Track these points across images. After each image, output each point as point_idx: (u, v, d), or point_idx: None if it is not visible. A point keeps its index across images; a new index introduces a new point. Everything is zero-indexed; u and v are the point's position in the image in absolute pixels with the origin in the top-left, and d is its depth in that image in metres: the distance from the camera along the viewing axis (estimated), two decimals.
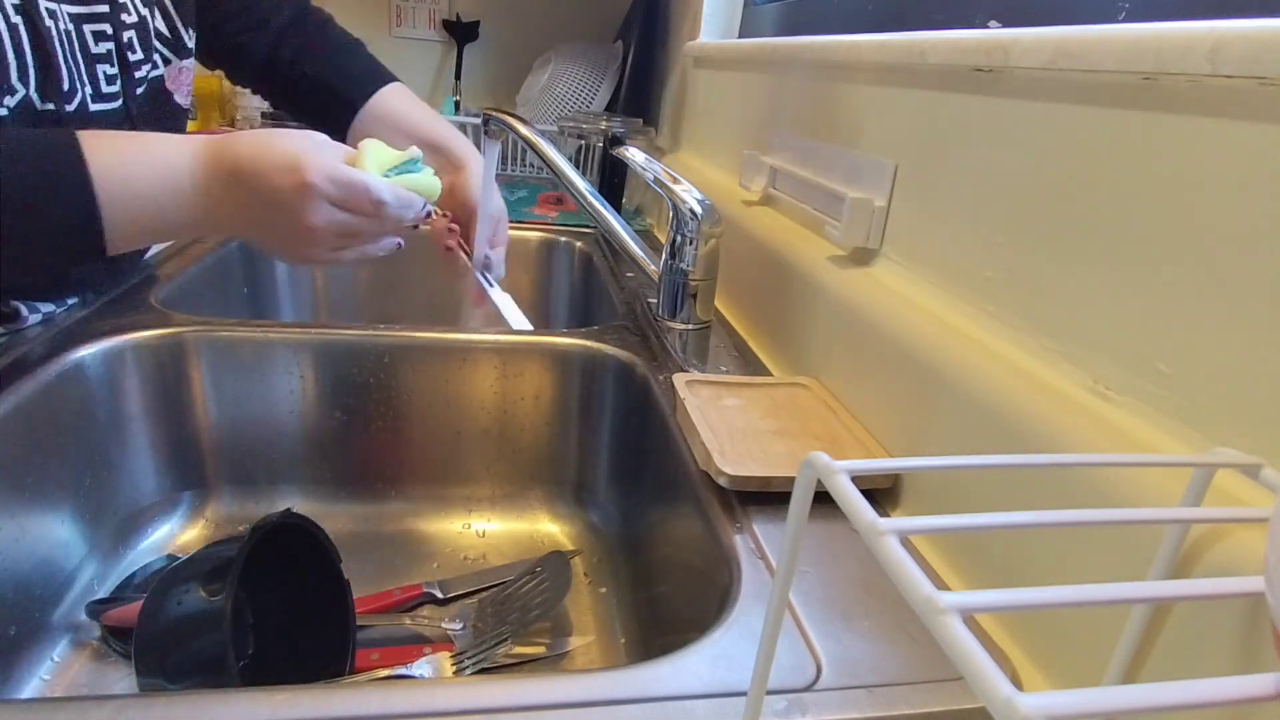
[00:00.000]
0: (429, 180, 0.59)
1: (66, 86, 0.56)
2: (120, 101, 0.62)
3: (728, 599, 0.40)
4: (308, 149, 0.53)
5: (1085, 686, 0.26)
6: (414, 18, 1.62)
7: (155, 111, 0.67)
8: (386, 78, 0.83)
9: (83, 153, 0.49)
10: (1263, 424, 0.29)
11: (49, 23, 0.54)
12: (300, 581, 0.54)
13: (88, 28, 0.58)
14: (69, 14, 0.57)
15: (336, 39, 0.85)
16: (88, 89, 0.58)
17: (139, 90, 0.64)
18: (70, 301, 0.67)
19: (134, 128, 0.63)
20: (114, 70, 0.61)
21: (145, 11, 0.64)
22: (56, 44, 0.55)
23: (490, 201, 0.77)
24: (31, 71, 0.53)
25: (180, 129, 0.70)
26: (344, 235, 0.56)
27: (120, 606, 0.54)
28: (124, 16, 0.61)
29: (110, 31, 0.60)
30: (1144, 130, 0.35)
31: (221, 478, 0.68)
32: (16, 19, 0.52)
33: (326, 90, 0.80)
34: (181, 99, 0.70)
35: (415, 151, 0.59)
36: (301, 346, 0.66)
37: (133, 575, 0.59)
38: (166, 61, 0.68)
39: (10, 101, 0.52)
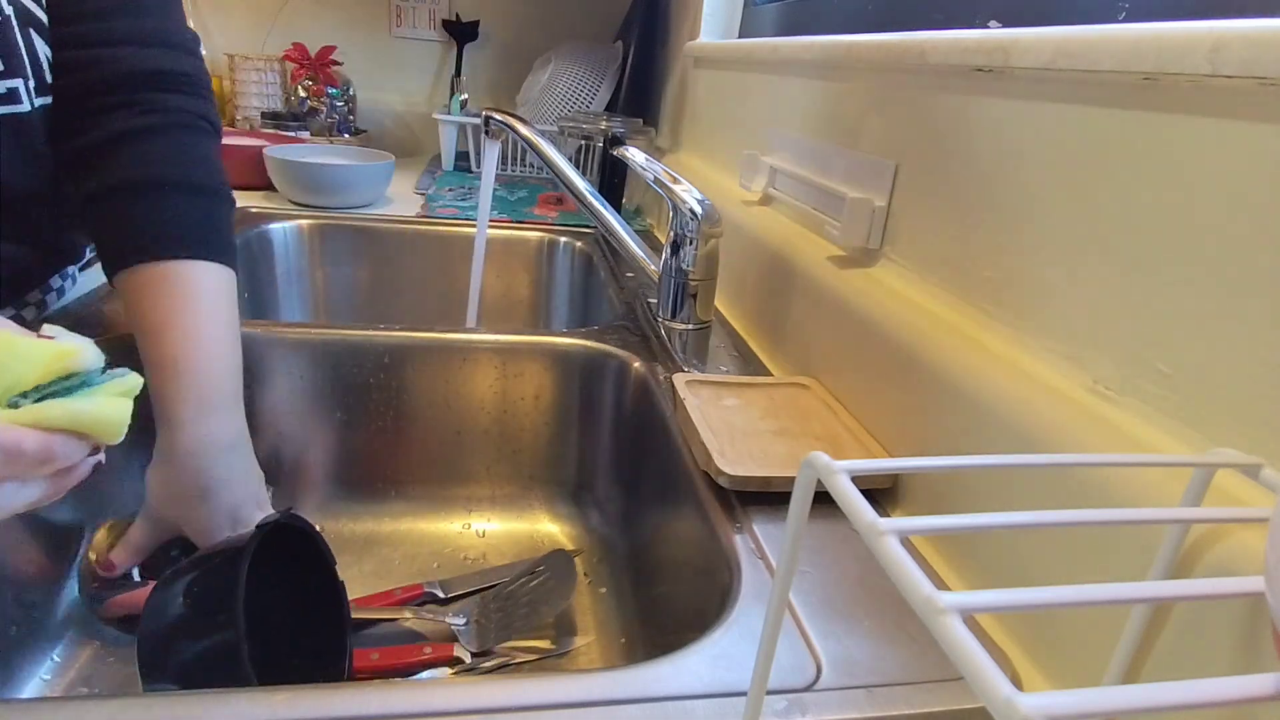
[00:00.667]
0: (107, 407, 0.33)
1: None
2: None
3: (728, 599, 0.40)
4: None
5: (1085, 686, 0.26)
6: (414, 18, 1.62)
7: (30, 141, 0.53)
8: (188, 247, 0.52)
9: None
10: (1263, 424, 0.29)
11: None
12: (296, 583, 0.54)
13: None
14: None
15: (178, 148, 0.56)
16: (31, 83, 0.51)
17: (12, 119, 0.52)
18: None
19: None
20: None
21: (18, 22, 0.52)
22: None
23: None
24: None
25: None
26: None
27: (123, 593, 0.53)
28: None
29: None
30: (1144, 130, 0.35)
31: None
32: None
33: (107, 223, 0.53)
34: None
35: (84, 353, 0.33)
36: (301, 346, 0.66)
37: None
38: (43, 92, 0.54)
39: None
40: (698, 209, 0.67)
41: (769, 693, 0.33)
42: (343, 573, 0.55)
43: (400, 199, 1.18)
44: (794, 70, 0.76)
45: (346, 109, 1.49)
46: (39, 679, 0.51)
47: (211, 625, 0.43)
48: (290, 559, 0.53)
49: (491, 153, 0.83)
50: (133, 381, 0.35)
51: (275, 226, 1.00)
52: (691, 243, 0.68)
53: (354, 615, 0.55)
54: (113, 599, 0.53)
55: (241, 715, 0.30)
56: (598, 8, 1.64)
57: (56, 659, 0.52)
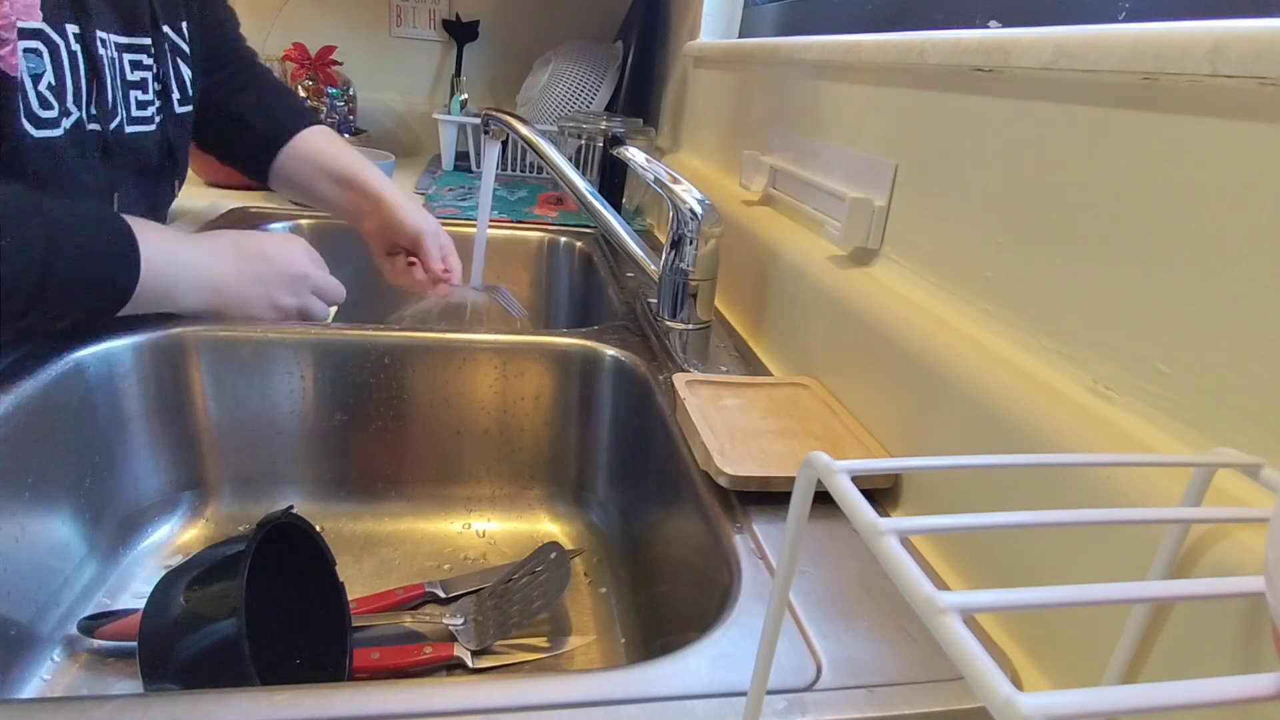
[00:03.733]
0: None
1: (110, 108, 0.62)
2: (156, 125, 0.69)
3: (728, 599, 0.40)
4: None
5: (1085, 686, 0.26)
6: (414, 18, 1.62)
7: (185, 140, 0.75)
8: (309, 120, 0.87)
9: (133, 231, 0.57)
10: (1263, 424, 0.29)
11: (100, 50, 0.61)
12: (295, 583, 0.53)
13: (128, 56, 0.65)
14: (115, 43, 0.63)
15: (263, 80, 0.88)
16: (126, 112, 0.65)
17: (174, 117, 0.72)
18: None
19: (170, 152, 0.72)
20: (147, 96, 0.68)
21: (171, 52, 0.72)
22: (106, 70, 0.61)
23: (424, 219, 0.82)
24: (84, 95, 0.60)
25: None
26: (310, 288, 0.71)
27: (114, 621, 0.53)
28: (156, 52, 0.69)
29: (148, 62, 0.68)
30: (1144, 130, 0.35)
31: (221, 478, 0.68)
32: (75, 47, 0.58)
33: (250, 131, 0.84)
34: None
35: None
36: (301, 346, 0.66)
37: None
38: (186, 103, 0.75)
39: (67, 123, 0.58)
40: (698, 209, 0.67)
41: (769, 693, 0.33)
42: (343, 573, 0.55)
43: None
44: (794, 70, 0.76)
45: (346, 109, 1.49)
46: (39, 679, 0.51)
47: (213, 625, 0.43)
48: (290, 559, 0.53)
49: (491, 153, 0.83)
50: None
51: (276, 226, 1.00)
52: (691, 243, 0.68)
53: (354, 622, 0.55)
54: (101, 628, 0.53)
55: (242, 715, 0.30)
56: (598, 8, 1.64)
57: (56, 659, 0.52)
